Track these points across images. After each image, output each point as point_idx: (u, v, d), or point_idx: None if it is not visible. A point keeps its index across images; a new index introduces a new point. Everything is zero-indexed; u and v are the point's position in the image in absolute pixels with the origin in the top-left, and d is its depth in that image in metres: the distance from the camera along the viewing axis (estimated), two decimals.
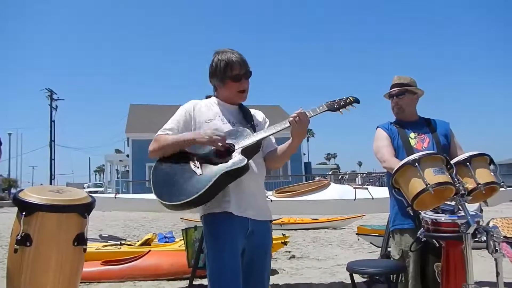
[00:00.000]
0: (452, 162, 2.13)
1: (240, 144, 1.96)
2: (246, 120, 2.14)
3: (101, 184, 39.92)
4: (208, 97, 2.25)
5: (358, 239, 6.83)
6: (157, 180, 1.94)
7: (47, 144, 34.94)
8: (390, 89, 2.86)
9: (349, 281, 2.89)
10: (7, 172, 44.90)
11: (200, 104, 2.15)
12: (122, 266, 5.09)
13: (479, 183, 2.10)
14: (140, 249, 5.63)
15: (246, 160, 1.89)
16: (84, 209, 1.71)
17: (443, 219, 2.10)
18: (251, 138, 1.98)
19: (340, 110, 2.06)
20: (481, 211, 3.13)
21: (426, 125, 2.82)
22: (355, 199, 4.11)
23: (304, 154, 32.85)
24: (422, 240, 2.17)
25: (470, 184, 2.09)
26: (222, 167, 1.88)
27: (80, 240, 1.68)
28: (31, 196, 1.65)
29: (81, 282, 2.10)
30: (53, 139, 34.63)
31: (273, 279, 4.61)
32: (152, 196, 1.95)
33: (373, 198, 4.06)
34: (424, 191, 1.95)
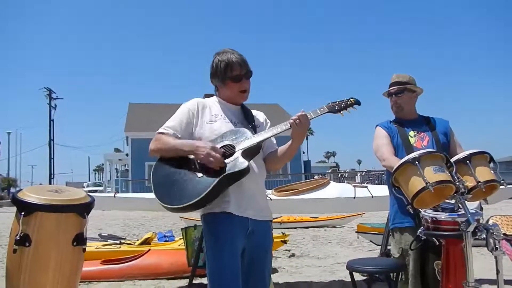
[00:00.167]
0: (452, 160, 2.13)
1: (241, 146, 1.94)
2: (248, 120, 2.14)
3: (101, 183, 39.88)
4: (206, 95, 2.24)
5: (358, 237, 6.82)
6: (157, 181, 1.93)
7: (46, 143, 34.90)
8: (389, 88, 2.85)
9: (349, 279, 2.89)
10: (6, 171, 44.86)
11: (202, 103, 2.13)
12: (122, 265, 5.09)
13: (479, 181, 2.10)
14: (139, 248, 5.62)
15: (247, 162, 1.88)
16: (83, 209, 1.70)
17: (443, 217, 2.09)
18: (252, 140, 1.96)
19: (341, 112, 2.06)
20: (481, 209, 3.13)
21: (425, 123, 2.82)
22: (354, 198, 4.11)
23: (304, 153, 32.89)
24: (422, 238, 2.17)
25: (470, 182, 2.09)
26: (222, 170, 1.86)
27: (80, 240, 1.68)
28: (30, 196, 1.64)
29: (80, 282, 2.09)
30: (52, 138, 34.58)
31: (273, 278, 4.59)
32: (152, 195, 1.94)
33: (372, 196, 4.07)
34: (424, 189, 1.94)
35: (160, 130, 2.05)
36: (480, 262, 4.00)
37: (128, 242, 6.27)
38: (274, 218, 2.24)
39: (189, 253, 4.47)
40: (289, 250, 6.83)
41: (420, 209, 2.19)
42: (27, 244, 1.58)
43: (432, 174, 1.98)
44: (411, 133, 2.76)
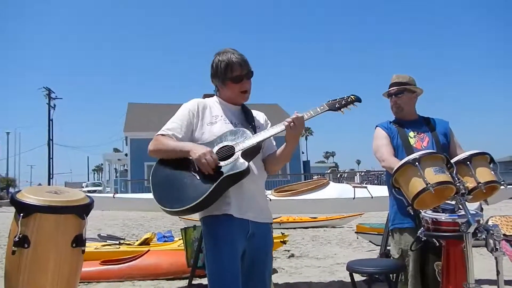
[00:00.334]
0: (452, 161, 2.12)
1: (241, 146, 1.93)
2: (248, 121, 2.12)
3: (100, 183, 39.86)
4: (206, 95, 2.23)
5: (357, 238, 6.83)
6: (156, 183, 1.92)
7: (45, 143, 34.87)
8: (389, 88, 2.85)
9: (348, 280, 2.89)
10: (5, 171, 44.84)
11: (203, 104, 2.12)
12: (121, 265, 5.08)
13: (480, 182, 2.09)
14: (139, 249, 5.62)
15: (246, 163, 1.87)
16: (82, 210, 1.69)
17: (443, 218, 2.09)
18: (251, 140, 1.95)
19: (342, 110, 2.04)
20: (482, 210, 3.13)
21: (425, 124, 2.81)
22: (354, 198, 4.11)
23: (303, 153, 32.87)
24: (423, 239, 2.16)
25: (470, 183, 2.09)
26: (222, 171, 1.85)
27: (79, 241, 1.66)
28: (28, 197, 1.62)
29: (80, 282, 2.08)
30: (51, 138, 34.56)
31: (272, 278, 4.59)
32: (151, 195, 1.93)
33: (372, 197, 4.06)
34: (425, 190, 1.94)
35: (161, 132, 2.03)
36: (479, 262, 3.99)
37: (127, 242, 6.27)
38: (273, 219, 2.22)
39: (189, 254, 4.47)
40: (288, 251, 6.83)
41: (420, 210, 2.18)
42: (26, 246, 1.57)
43: (433, 175, 1.97)
44: (411, 133, 2.75)
